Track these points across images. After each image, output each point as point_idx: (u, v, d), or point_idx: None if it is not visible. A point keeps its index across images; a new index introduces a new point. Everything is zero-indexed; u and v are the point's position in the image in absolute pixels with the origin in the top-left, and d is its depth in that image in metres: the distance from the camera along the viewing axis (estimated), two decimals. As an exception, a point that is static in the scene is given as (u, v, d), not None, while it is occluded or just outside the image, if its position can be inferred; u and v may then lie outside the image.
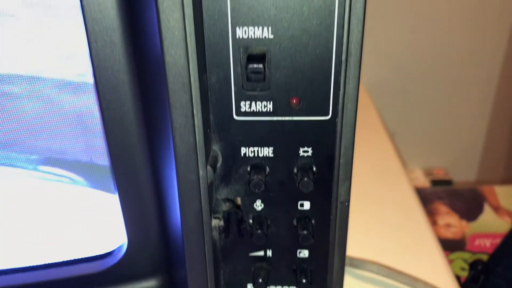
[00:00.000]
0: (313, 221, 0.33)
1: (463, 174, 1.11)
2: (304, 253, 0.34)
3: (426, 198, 0.77)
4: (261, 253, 0.35)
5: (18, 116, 0.33)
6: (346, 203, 0.33)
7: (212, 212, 0.32)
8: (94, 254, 0.38)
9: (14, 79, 0.32)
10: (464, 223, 0.73)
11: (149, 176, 0.33)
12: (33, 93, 0.33)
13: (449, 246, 0.68)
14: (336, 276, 0.35)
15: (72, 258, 0.38)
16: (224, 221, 0.32)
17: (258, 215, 0.33)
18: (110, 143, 0.32)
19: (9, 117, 0.34)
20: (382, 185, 0.68)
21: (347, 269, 0.55)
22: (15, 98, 0.33)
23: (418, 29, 0.95)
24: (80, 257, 0.38)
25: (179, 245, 0.34)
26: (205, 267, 0.33)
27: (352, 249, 0.57)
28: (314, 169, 0.31)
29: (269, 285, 0.36)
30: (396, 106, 1.03)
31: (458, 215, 0.74)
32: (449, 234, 0.71)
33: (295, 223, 0.33)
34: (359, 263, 0.54)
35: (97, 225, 0.38)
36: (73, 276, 0.37)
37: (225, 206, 0.32)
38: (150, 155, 0.32)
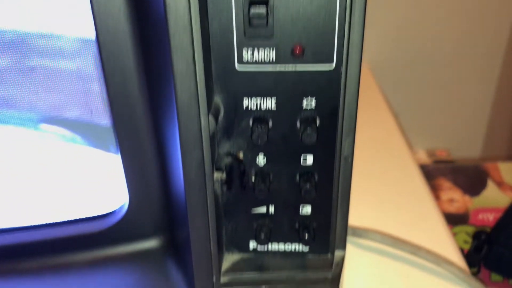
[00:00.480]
0: (316, 176, 0.33)
1: (467, 154, 1.11)
2: (307, 210, 0.34)
3: (429, 174, 0.76)
4: (263, 209, 0.34)
5: (17, 72, 0.33)
6: (350, 159, 0.33)
7: (214, 165, 0.32)
8: (96, 214, 0.38)
9: (11, 34, 0.32)
10: (467, 198, 0.72)
11: (151, 130, 0.33)
12: (32, 48, 0.32)
13: (452, 220, 0.68)
14: (339, 233, 0.35)
15: (73, 218, 0.38)
16: (227, 174, 0.32)
17: (260, 170, 0.33)
18: (111, 96, 0.31)
19: (9, 73, 0.33)
20: (385, 161, 0.68)
21: (350, 238, 0.55)
22: (13, 53, 0.33)
23: (421, 8, 0.94)
24: (81, 217, 0.38)
25: (181, 203, 0.33)
26: (207, 222, 0.32)
27: (355, 221, 0.57)
28: (318, 121, 0.31)
29: (271, 242, 0.35)
30: (399, 87, 1.02)
31: (461, 190, 0.73)
32: (452, 208, 0.71)
33: (297, 179, 0.33)
34: (362, 232, 0.54)
35: (98, 185, 0.38)
36: (74, 235, 0.37)
37: (227, 160, 0.32)
38: (151, 108, 0.32)
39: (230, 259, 0.36)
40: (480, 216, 0.69)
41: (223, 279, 0.35)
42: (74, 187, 0.38)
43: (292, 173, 0.33)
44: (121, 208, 0.37)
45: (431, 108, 1.06)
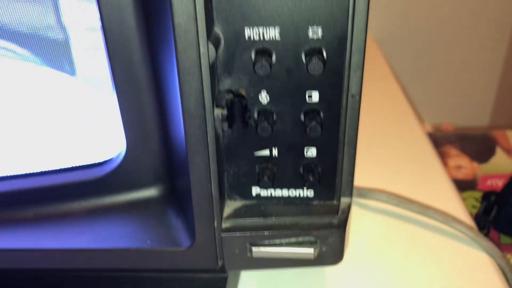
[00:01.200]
0: (321, 115, 0.31)
1: (475, 125, 1.09)
2: (312, 152, 0.32)
3: (436, 142, 0.75)
4: (267, 152, 0.33)
5: None
6: (357, 97, 0.31)
7: (215, 102, 0.30)
8: (92, 162, 0.36)
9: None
10: (475, 164, 0.70)
11: (147, 68, 0.31)
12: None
13: (460, 186, 0.66)
14: (346, 178, 0.34)
15: (69, 165, 0.36)
16: (228, 110, 0.30)
17: (263, 108, 0.31)
18: (106, 28, 0.30)
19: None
20: (392, 128, 0.66)
21: (355, 200, 0.53)
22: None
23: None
24: (77, 164, 0.36)
25: (181, 145, 0.32)
26: (207, 163, 0.31)
27: (360, 184, 0.55)
28: (324, 53, 0.29)
29: (275, 188, 0.34)
30: (405, 59, 1.00)
31: (468, 157, 0.72)
32: (459, 175, 0.69)
33: (302, 118, 0.31)
34: (367, 193, 0.53)
35: (95, 131, 0.37)
36: (70, 183, 0.36)
37: (228, 97, 0.31)
38: (148, 40, 0.30)
39: (232, 206, 0.35)
40: (489, 182, 0.67)
41: (225, 224, 0.33)
42: (73, 133, 0.36)
43: (297, 111, 0.31)
44: (118, 155, 0.36)
45: (438, 80, 1.04)
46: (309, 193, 0.34)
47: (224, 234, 0.33)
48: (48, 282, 0.37)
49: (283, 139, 0.32)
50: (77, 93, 0.35)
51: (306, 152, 0.32)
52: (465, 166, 0.70)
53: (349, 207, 0.35)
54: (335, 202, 0.34)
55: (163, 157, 0.36)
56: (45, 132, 0.36)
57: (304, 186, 0.34)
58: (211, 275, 0.37)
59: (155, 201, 0.36)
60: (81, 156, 0.36)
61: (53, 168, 0.36)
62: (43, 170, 0.36)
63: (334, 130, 0.32)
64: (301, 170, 0.33)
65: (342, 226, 0.33)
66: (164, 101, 0.33)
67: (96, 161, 0.36)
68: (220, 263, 0.34)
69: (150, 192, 0.37)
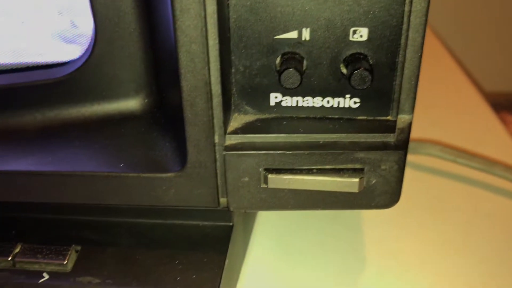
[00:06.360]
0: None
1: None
2: (362, 33, 0.22)
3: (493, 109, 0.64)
4: (293, 33, 0.22)
5: None
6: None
7: None
8: (51, 60, 0.26)
9: None
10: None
11: None
12: None
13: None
14: (406, 86, 0.23)
15: (20, 62, 0.27)
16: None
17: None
18: None
19: None
20: (447, 91, 0.55)
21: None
22: None
23: None
24: (30, 61, 0.26)
25: (168, 35, 0.22)
26: (205, 47, 0.21)
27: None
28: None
29: (303, 94, 0.24)
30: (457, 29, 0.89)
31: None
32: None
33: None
34: (417, 146, 0.42)
35: (53, 16, 0.27)
36: (20, 85, 0.26)
37: None
38: None
39: (240, 119, 0.24)
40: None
41: (230, 141, 0.23)
42: (21, 14, 0.26)
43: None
44: (85, 50, 0.26)
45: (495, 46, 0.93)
46: (353, 103, 0.24)
47: (227, 153, 0.23)
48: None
49: (317, 14, 0.22)
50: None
51: (353, 33, 0.22)
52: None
53: (409, 127, 0.24)
54: (390, 118, 0.24)
55: (147, 57, 0.26)
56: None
57: (347, 92, 0.23)
58: (210, 223, 0.27)
59: (134, 117, 0.26)
60: (35, 50, 0.27)
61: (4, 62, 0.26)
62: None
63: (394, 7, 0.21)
64: (342, 68, 0.23)
65: (401, 147, 0.23)
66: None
67: (56, 59, 0.26)
68: (222, 199, 0.24)
69: (129, 104, 0.26)
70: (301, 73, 0.22)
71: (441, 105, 0.51)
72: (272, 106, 0.24)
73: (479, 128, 0.47)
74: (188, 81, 0.21)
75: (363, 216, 0.36)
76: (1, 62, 0.27)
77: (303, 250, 0.32)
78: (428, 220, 0.36)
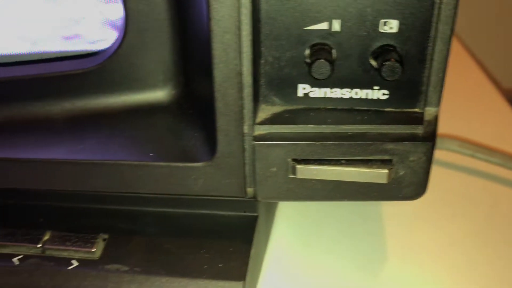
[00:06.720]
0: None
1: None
2: (392, 25, 0.22)
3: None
4: (324, 25, 0.23)
5: None
6: None
7: None
8: (81, 49, 0.27)
9: None
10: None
11: None
12: None
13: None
14: (435, 80, 0.23)
15: (50, 51, 0.27)
16: None
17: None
18: None
19: None
20: (468, 92, 0.55)
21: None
22: None
23: None
24: (62, 49, 0.27)
25: (201, 25, 0.22)
26: (238, 37, 0.21)
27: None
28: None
29: (331, 85, 0.24)
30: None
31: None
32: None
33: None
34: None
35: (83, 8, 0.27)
36: (50, 75, 0.26)
37: None
38: None
39: (268, 110, 0.24)
40: None
41: (258, 131, 0.23)
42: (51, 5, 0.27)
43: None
44: (113, 41, 0.26)
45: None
46: (381, 94, 0.24)
47: (257, 143, 0.23)
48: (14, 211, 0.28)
49: (348, 6, 0.22)
50: None
51: (384, 25, 0.22)
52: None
53: (436, 119, 0.24)
54: (418, 110, 0.24)
55: (175, 48, 0.26)
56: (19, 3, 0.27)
57: (375, 84, 0.23)
58: (235, 213, 0.28)
59: (162, 107, 0.27)
60: (66, 40, 0.27)
61: (28, 52, 0.27)
62: (14, 55, 0.26)
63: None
64: (371, 60, 0.23)
65: (429, 139, 0.23)
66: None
67: (86, 49, 0.27)
68: (249, 189, 0.24)
69: (156, 95, 0.27)
70: (332, 64, 0.22)
71: (459, 100, 0.51)
72: (299, 97, 0.24)
73: (497, 123, 0.47)
74: (221, 71, 0.21)
75: (382, 209, 0.36)
76: (26, 52, 0.27)
77: (323, 241, 0.33)
78: (446, 215, 0.36)
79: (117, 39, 0.26)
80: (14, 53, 0.26)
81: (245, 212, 0.27)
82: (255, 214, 0.27)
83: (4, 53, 0.27)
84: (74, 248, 0.26)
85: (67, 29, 0.26)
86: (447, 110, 0.48)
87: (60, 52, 0.27)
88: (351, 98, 0.24)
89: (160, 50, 0.26)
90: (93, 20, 0.27)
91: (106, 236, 0.27)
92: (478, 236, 0.34)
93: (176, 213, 0.28)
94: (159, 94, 0.27)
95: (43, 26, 0.27)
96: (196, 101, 0.27)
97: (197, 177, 0.24)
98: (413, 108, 0.24)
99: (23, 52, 0.26)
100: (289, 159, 0.23)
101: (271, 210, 0.32)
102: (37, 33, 0.27)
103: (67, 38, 0.27)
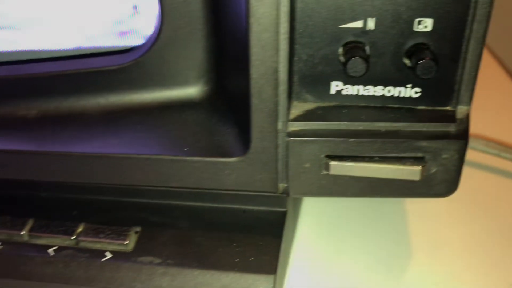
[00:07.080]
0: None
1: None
2: (426, 24, 0.22)
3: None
4: (359, 23, 0.23)
5: None
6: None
7: None
8: (115, 45, 0.27)
9: None
10: None
11: None
12: None
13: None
14: (467, 78, 0.23)
15: (85, 47, 0.27)
16: None
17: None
18: None
19: None
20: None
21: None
22: None
23: None
24: (95, 45, 0.27)
25: (239, 21, 0.22)
26: (276, 35, 0.21)
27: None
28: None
29: (364, 82, 0.24)
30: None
31: None
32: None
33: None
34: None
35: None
36: (85, 71, 0.27)
37: None
38: None
39: (301, 107, 0.25)
40: None
41: (292, 128, 0.24)
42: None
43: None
44: (148, 38, 0.27)
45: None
46: (414, 92, 0.24)
47: (290, 139, 0.24)
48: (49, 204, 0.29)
49: (384, 6, 0.22)
50: None
51: (418, 24, 0.22)
52: None
53: (467, 118, 0.24)
54: (449, 108, 0.24)
55: (209, 45, 0.26)
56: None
57: (408, 82, 0.24)
58: (265, 209, 0.28)
59: (194, 104, 0.27)
60: (101, 37, 0.28)
61: (63, 48, 0.27)
62: (51, 51, 0.27)
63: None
64: (404, 58, 0.23)
65: (462, 137, 0.23)
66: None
67: (120, 44, 0.27)
68: (281, 185, 0.25)
69: (188, 91, 0.27)
70: (367, 61, 0.22)
71: (485, 100, 0.51)
72: (332, 94, 0.25)
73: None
74: (258, 68, 0.22)
75: (407, 208, 0.37)
76: (62, 48, 0.27)
77: (346, 236, 0.33)
78: (472, 214, 0.36)
79: (152, 36, 0.27)
80: (58, 49, 0.27)
81: (274, 207, 0.28)
82: (284, 209, 0.28)
83: (50, 49, 0.27)
84: (107, 241, 0.27)
85: (123, 24, 0.27)
86: (473, 108, 0.48)
87: (109, 47, 0.27)
88: (383, 95, 0.24)
89: (194, 47, 0.26)
90: (148, 14, 0.27)
91: (138, 229, 0.28)
92: (502, 236, 0.34)
93: (206, 207, 0.28)
94: (191, 91, 0.28)
95: (100, 20, 0.27)
96: (228, 97, 0.27)
97: (230, 172, 0.24)
98: (445, 106, 0.24)
99: (68, 48, 0.27)
100: (323, 156, 0.24)
101: (297, 206, 0.32)
102: (93, 28, 0.27)
103: (122, 33, 0.27)
